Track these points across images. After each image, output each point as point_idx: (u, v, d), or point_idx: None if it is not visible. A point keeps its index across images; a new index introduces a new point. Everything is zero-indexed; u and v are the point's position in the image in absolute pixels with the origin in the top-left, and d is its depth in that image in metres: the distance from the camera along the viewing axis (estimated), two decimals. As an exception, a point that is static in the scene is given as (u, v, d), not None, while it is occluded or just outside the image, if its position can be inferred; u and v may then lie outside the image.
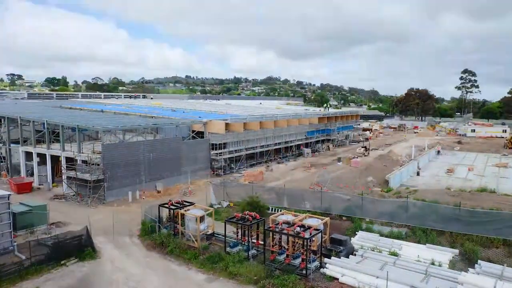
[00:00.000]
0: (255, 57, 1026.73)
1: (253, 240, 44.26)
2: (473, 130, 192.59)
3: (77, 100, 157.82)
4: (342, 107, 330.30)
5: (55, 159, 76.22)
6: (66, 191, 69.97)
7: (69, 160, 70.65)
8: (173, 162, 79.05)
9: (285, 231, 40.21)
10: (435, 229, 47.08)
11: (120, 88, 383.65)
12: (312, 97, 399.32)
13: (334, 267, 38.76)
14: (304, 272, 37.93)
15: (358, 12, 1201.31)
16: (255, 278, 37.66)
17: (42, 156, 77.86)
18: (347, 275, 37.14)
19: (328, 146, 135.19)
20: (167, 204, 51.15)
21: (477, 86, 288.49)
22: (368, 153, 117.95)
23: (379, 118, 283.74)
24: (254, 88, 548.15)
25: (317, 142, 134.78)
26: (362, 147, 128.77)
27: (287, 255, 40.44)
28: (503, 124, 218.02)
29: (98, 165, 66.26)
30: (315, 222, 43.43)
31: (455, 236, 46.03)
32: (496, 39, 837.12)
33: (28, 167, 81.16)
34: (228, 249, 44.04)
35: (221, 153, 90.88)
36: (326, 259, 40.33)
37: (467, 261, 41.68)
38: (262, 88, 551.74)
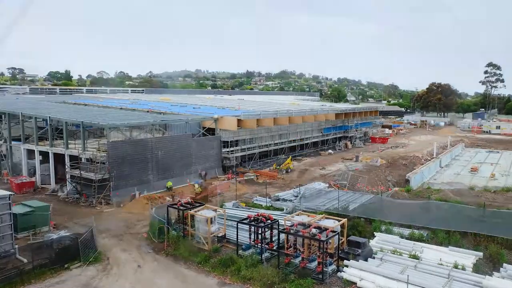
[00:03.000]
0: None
1: (266, 243, 44.31)
2: (498, 127, 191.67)
3: (81, 95, 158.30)
4: (360, 103, 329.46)
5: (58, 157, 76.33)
6: (70, 191, 70.18)
7: (74, 158, 70.90)
8: (182, 160, 79.02)
9: (300, 233, 40.09)
10: (458, 231, 46.68)
11: (127, 82, 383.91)
12: (329, 92, 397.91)
13: (352, 270, 38.65)
14: (320, 276, 37.86)
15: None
16: (269, 282, 37.55)
17: (44, 154, 78.07)
18: (366, 279, 37.01)
19: (345, 143, 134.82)
20: (176, 204, 51.22)
21: (502, 81, 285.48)
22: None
23: (399, 114, 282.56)
24: (267, 83, 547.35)
25: (334, 139, 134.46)
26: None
27: (303, 258, 40.26)
28: None
29: (104, 163, 66.38)
30: (331, 223, 43.23)
31: (479, 238, 45.64)
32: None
33: (30, 165, 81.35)
34: (240, 251, 43.95)
35: (233, 151, 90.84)
36: (344, 262, 40.30)
37: (491, 264, 41.43)
38: (276, 82, 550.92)
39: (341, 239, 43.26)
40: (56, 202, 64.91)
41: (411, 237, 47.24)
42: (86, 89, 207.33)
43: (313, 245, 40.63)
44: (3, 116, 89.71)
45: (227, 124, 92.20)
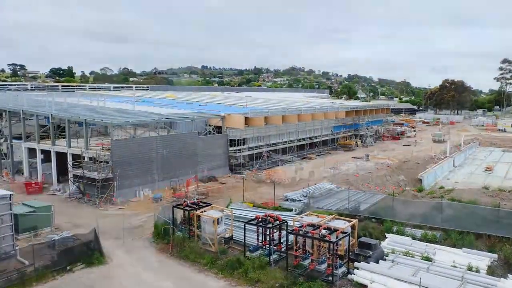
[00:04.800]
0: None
1: (274, 244, 44.25)
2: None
3: (84, 92, 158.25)
4: (371, 100, 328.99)
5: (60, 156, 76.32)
6: (73, 190, 70.25)
7: (76, 157, 70.93)
8: (188, 159, 79.09)
9: (309, 234, 40.01)
10: (472, 232, 46.50)
11: (131, 79, 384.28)
12: (339, 89, 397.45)
13: (362, 273, 38.57)
14: (330, 278, 37.77)
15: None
16: (277, 285, 37.58)
17: (46, 153, 77.97)
18: (377, 281, 36.93)
19: (356, 142, 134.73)
20: (181, 204, 51.23)
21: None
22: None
23: (412, 112, 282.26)
24: (276, 79, 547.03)
25: (344, 138, 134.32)
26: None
27: (312, 260, 40.19)
28: None
29: (107, 162, 66.41)
30: (342, 224, 43.17)
31: (494, 239, 45.55)
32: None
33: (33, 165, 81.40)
34: (248, 253, 43.90)
35: (240, 149, 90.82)
36: (354, 264, 40.24)
37: (506, 266, 41.28)
38: (284, 79, 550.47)
39: (352, 241, 43.13)
40: (58, 202, 64.97)
41: (423, 238, 47.20)
42: (89, 86, 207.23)
43: (322, 246, 40.57)
44: (3, 113, 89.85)
45: (234, 122, 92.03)
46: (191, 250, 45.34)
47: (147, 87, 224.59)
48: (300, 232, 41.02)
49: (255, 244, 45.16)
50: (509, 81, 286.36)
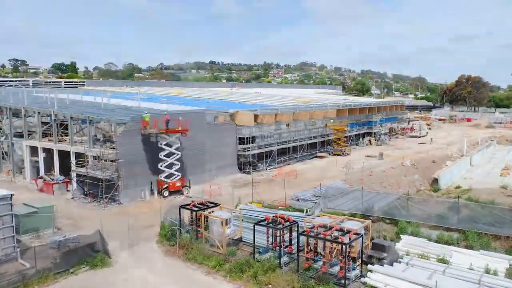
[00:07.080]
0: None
1: (285, 246, 44.18)
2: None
3: (88, 89, 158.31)
4: (385, 97, 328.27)
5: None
6: (76, 190, 70.31)
7: (80, 156, 70.98)
8: (195, 157, 79.05)
9: (321, 236, 39.85)
10: (489, 234, 46.32)
11: (136, 75, 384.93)
12: (352, 85, 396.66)
13: (376, 276, 38.45)
14: (342, 281, 37.67)
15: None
16: (288, 288, 37.61)
17: (48, 152, 77.99)
18: (391, 285, 36.82)
19: (369, 140, 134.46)
20: (189, 205, 51.20)
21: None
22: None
23: (427, 109, 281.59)
24: (286, 75, 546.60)
25: (357, 136, 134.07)
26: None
27: (324, 263, 39.99)
28: None
29: (112, 161, 66.35)
30: (355, 225, 42.98)
31: (513, 241, 45.46)
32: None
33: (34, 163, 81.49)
34: (257, 255, 43.80)
35: (249, 148, 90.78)
36: (368, 267, 40.16)
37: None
38: (295, 75, 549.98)
39: (365, 242, 43.03)
40: (60, 202, 65.08)
41: (439, 240, 46.91)
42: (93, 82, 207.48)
43: (335, 248, 40.31)
44: (4, 111, 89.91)
45: (244, 120, 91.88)
46: (199, 251, 45.31)
47: (153, 83, 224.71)
48: (312, 234, 40.84)
49: (265, 246, 45.10)
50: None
